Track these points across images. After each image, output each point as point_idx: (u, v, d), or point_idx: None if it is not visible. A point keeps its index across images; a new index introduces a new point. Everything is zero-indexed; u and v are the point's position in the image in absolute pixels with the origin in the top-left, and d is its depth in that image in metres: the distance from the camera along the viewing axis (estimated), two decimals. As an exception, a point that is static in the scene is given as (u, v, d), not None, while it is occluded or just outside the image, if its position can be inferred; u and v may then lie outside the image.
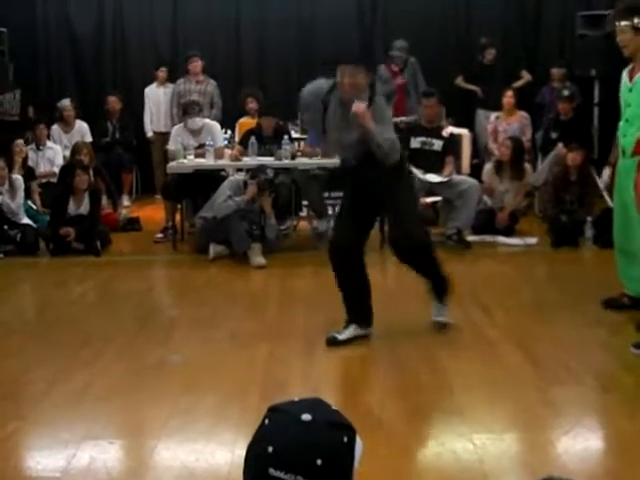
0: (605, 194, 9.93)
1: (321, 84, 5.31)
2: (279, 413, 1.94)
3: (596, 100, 11.21)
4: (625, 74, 5.91)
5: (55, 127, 11.25)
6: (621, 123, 5.94)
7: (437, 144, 8.97)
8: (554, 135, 10.32)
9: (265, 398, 4.46)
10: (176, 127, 9.60)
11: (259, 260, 7.86)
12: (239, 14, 12.59)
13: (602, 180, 6.54)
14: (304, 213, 9.59)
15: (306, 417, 1.87)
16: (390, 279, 7.99)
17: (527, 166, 9.58)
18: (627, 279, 6.19)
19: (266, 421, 1.93)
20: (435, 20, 12.40)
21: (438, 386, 4.76)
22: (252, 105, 10.49)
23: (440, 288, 5.78)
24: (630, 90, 5.79)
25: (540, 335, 5.74)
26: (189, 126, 9.25)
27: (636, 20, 5.66)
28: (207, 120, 9.57)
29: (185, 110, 9.49)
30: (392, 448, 3.97)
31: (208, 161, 8.78)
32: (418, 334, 5.73)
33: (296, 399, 1.98)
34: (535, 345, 5.51)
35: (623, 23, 5.70)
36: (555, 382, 4.86)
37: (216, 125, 9.56)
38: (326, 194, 9.41)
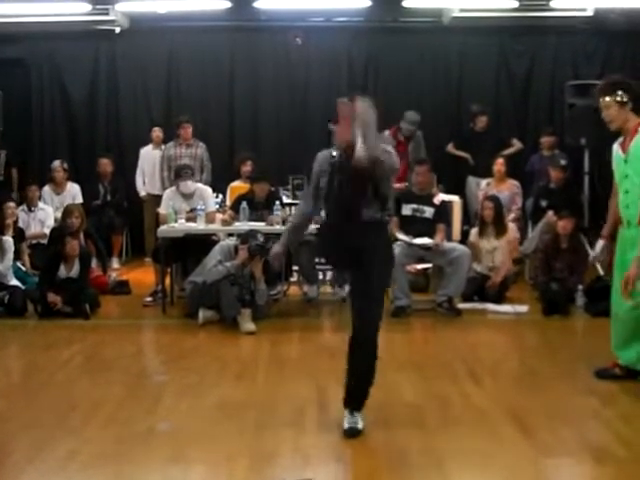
0: (597, 265, 9.95)
1: (330, 150, 5.21)
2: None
3: (586, 169, 11.28)
4: (617, 147, 5.96)
5: (46, 188, 11.29)
6: (620, 196, 5.94)
7: (428, 211, 8.99)
8: (544, 203, 10.37)
9: (253, 469, 4.41)
10: (168, 191, 9.61)
11: (249, 326, 7.81)
12: (232, 78, 12.70)
13: (594, 252, 6.52)
14: (295, 278, 9.57)
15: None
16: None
17: (510, 224, 9.68)
18: (620, 349, 6.15)
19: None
20: (427, 87, 12.52)
21: (429, 460, 4.68)
22: (247, 169, 10.52)
23: (365, 395, 5.14)
24: (625, 161, 5.83)
25: (531, 405, 5.69)
26: (181, 190, 9.26)
27: (619, 94, 5.75)
28: (199, 184, 9.59)
29: (177, 174, 9.50)
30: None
31: (199, 225, 8.78)
32: (408, 405, 5.69)
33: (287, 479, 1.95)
34: (526, 415, 5.45)
35: (607, 99, 5.80)
36: (547, 453, 4.80)
37: (208, 189, 9.58)
38: (317, 260, 9.40)
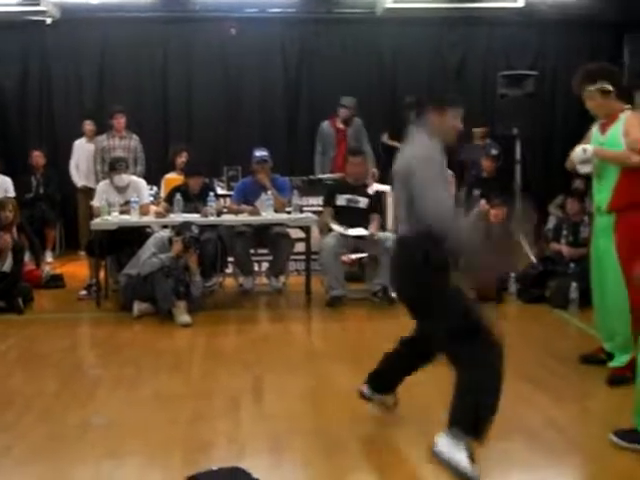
0: (528, 249, 10.09)
1: None
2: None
3: (517, 157, 11.42)
4: (596, 129, 5.98)
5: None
6: (594, 181, 5.99)
7: (363, 202, 9.04)
8: (477, 192, 10.48)
9: (189, 461, 4.41)
10: (101, 183, 9.53)
11: (184, 318, 7.80)
12: (166, 70, 12.62)
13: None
14: (230, 270, 9.56)
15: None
16: (315, 337, 8.01)
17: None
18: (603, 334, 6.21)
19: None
20: (361, 78, 12.57)
21: (364, 446, 4.74)
22: (182, 160, 10.47)
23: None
24: (602, 145, 5.85)
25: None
26: (115, 183, 9.19)
27: (602, 83, 5.76)
28: (133, 177, 9.51)
29: (111, 166, 9.42)
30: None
31: (133, 218, 8.73)
32: (342, 394, 5.72)
33: (214, 468, 1.96)
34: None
35: (590, 88, 5.77)
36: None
37: (141, 181, 9.51)
38: (252, 251, 9.42)
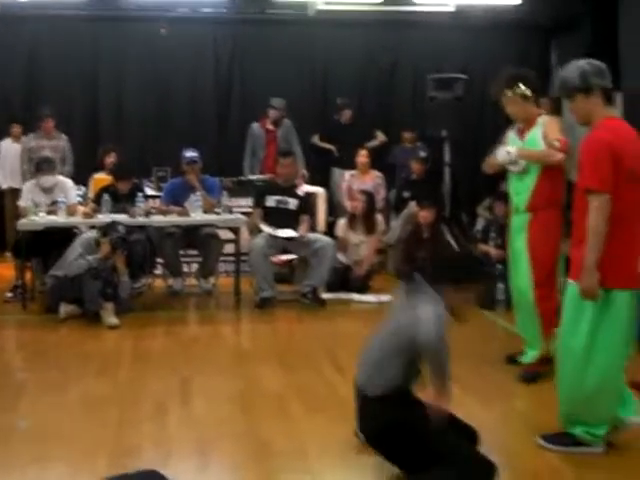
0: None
1: None
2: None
3: (447, 160, 11.51)
4: (513, 134, 6.10)
5: None
6: (512, 182, 6.11)
7: (292, 203, 9.05)
8: (406, 194, 10.56)
9: (116, 465, 4.36)
10: (28, 183, 9.38)
11: (112, 320, 7.72)
12: (96, 69, 12.45)
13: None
14: (159, 271, 9.49)
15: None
16: (244, 339, 8.00)
17: (379, 218, 9.85)
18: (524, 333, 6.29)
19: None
20: (293, 80, 12.55)
21: (292, 449, 4.73)
22: (111, 160, 10.35)
23: None
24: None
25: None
26: (41, 184, 9.05)
27: (522, 88, 5.83)
28: (60, 177, 9.37)
29: (38, 167, 9.27)
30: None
31: (60, 218, 8.61)
32: (271, 395, 5.72)
33: (131, 472, 1.94)
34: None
35: (509, 94, 5.87)
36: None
37: (68, 182, 9.37)
38: (181, 252, 9.36)
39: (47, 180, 9.04)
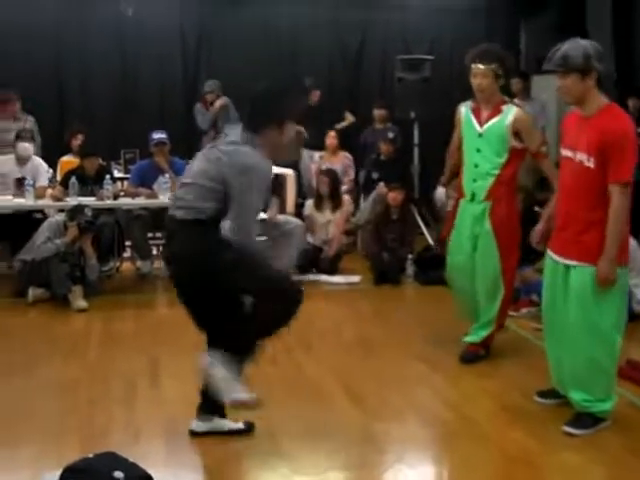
0: (425, 232, 10.23)
1: None
2: (86, 474, 1.90)
3: (416, 141, 11.52)
4: (469, 115, 5.96)
5: None
6: (467, 168, 5.99)
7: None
8: (375, 175, 10.56)
9: (84, 447, 4.34)
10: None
11: (80, 303, 7.68)
12: (61, 49, 12.33)
13: (438, 199, 6.39)
14: (128, 254, 9.44)
15: (118, 475, 1.83)
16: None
17: (346, 198, 9.87)
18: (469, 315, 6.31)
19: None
20: (260, 59, 12.49)
21: (261, 430, 4.73)
22: (77, 142, 10.26)
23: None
24: (480, 135, 5.86)
25: (363, 372, 5.83)
26: (19, 152, 8.97)
27: (496, 66, 5.78)
28: (35, 157, 9.28)
29: (18, 135, 9.23)
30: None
31: (28, 201, 8.54)
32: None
33: (90, 455, 1.93)
34: (358, 383, 5.59)
35: (481, 66, 5.73)
36: (377, 418, 4.94)
37: (43, 164, 9.27)
38: (150, 234, 9.32)
39: (25, 149, 8.97)
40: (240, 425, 4.68)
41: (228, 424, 4.67)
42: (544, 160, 5.83)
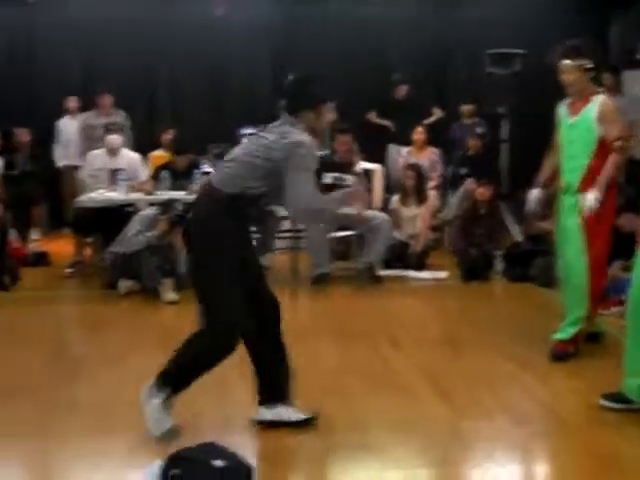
0: (513, 228, 10.13)
1: None
2: (189, 462, 1.93)
3: (504, 136, 11.42)
4: (565, 110, 5.96)
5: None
6: (563, 161, 5.98)
7: (349, 180, 9.03)
8: (463, 171, 10.50)
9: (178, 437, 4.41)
10: (93, 152, 9.47)
11: (170, 296, 7.79)
12: (152, 46, 12.53)
13: (532, 200, 6.28)
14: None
15: (218, 464, 1.87)
16: (301, 315, 8.02)
17: (432, 193, 9.84)
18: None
19: (175, 471, 1.92)
20: (348, 55, 12.52)
21: (351, 424, 4.74)
22: (168, 137, 10.42)
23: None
24: (572, 127, 5.86)
25: (451, 369, 5.80)
26: (108, 143, 9.14)
27: (583, 60, 5.73)
28: (131, 153, 9.44)
29: (106, 128, 9.42)
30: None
31: (119, 195, 8.69)
32: (329, 372, 5.75)
33: (192, 445, 1.97)
34: (446, 380, 5.56)
35: (569, 62, 5.73)
36: (466, 416, 4.90)
37: (138, 159, 9.42)
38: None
39: (114, 140, 9.12)
40: (302, 415, 4.69)
41: (292, 413, 4.68)
42: (615, 155, 5.73)
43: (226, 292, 4.43)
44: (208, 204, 4.49)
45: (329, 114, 4.60)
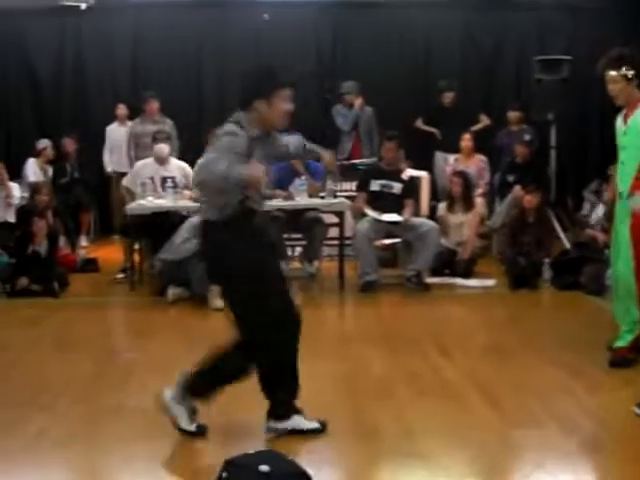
0: (562, 235, 10.06)
1: None
2: (237, 467, 1.93)
3: (553, 143, 11.34)
4: (620, 119, 5.94)
5: (32, 161, 11.23)
6: (618, 167, 5.97)
7: (396, 187, 9.02)
8: (511, 178, 10.43)
9: (224, 445, 4.42)
10: (139, 162, 9.54)
11: (218, 302, 7.78)
12: (200, 54, 12.64)
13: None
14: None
15: (264, 468, 1.86)
16: (348, 322, 8.02)
17: (479, 200, 9.80)
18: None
19: (224, 474, 1.92)
20: (394, 62, 12.52)
21: (398, 431, 4.73)
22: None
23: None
24: (625, 133, 5.85)
25: (499, 378, 5.75)
26: (156, 152, 9.19)
27: (625, 69, 5.71)
28: (180, 162, 9.48)
29: (154, 137, 9.47)
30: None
31: (168, 202, 8.75)
32: (377, 378, 5.74)
33: (252, 452, 1.97)
34: (495, 388, 5.52)
35: (613, 73, 5.72)
36: (515, 425, 4.87)
37: (187, 166, 9.48)
38: (285, 236, 9.42)
39: (161, 150, 9.17)
40: (315, 424, 4.68)
41: (306, 423, 4.68)
42: None
43: (263, 311, 4.64)
44: (210, 240, 4.60)
45: (285, 104, 4.69)
